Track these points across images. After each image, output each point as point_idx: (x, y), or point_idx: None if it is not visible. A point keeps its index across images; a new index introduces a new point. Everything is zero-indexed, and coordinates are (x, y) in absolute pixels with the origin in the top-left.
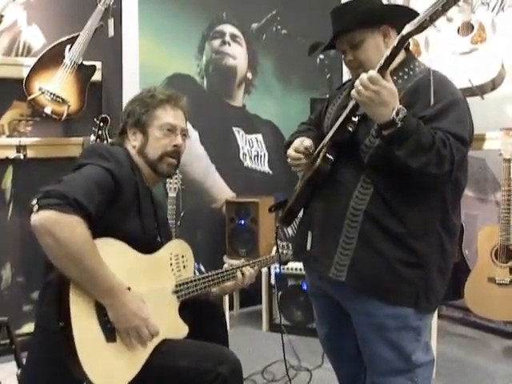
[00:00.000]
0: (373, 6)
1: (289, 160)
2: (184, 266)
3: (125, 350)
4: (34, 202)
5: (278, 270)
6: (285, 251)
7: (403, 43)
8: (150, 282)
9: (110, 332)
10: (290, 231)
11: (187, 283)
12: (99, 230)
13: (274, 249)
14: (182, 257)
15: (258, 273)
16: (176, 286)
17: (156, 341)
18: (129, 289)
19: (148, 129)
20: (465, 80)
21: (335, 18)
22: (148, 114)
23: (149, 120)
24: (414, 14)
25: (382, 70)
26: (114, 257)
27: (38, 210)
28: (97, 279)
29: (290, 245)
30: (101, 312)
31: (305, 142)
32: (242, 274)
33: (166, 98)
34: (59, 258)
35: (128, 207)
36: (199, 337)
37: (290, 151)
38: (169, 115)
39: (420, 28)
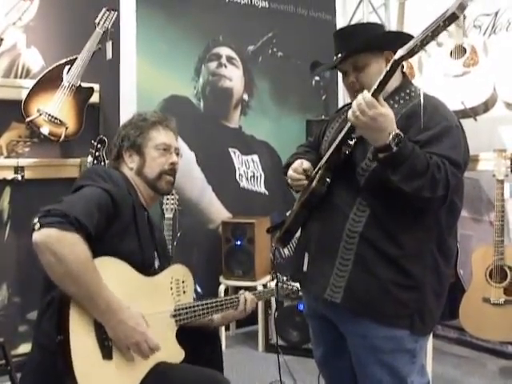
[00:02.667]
0: (379, 32)
1: (289, 181)
2: (184, 292)
3: (120, 368)
4: (36, 220)
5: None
6: (284, 286)
7: (396, 67)
8: (149, 305)
9: (107, 350)
10: (286, 252)
11: (186, 308)
12: (99, 250)
13: (274, 282)
14: (183, 282)
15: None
16: (175, 310)
17: (152, 363)
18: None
19: (144, 150)
20: (458, 102)
21: (341, 39)
22: (143, 136)
23: (144, 141)
24: None
25: (375, 94)
26: (115, 276)
27: (39, 228)
28: (95, 296)
29: (288, 279)
30: (99, 329)
31: (304, 164)
32: (245, 300)
33: (158, 120)
34: (59, 275)
35: (126, 227)
36: (193, 360)
37: (291, 172)
38: (162, 135)
39: (411, 53)
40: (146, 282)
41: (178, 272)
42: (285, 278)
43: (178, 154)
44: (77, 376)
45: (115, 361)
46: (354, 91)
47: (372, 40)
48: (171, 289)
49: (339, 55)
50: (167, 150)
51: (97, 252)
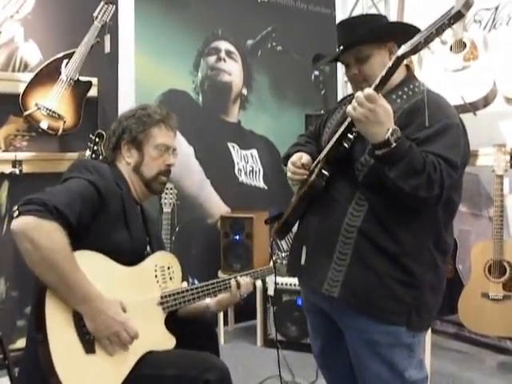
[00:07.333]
0: (382, 23)
1: (288, 174)
2: (170, 278)
3: (105, 361)
4: (15, 208)
5: (273, 285)
6: (283, 261)
7: (398, 64)
8: (133, 294)
9: (89, 344)
10: (285, 246)
11: (173, 295)
12: (87, 240)
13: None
14: (168, 268)
15: (253, 288)
16: (161, 297)
17: (140, 352)
18: None
19: (144, 147)
20: (457, 97)
21: (343, 30)
22: (145, 133)
23: (145, 139)
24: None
25: (377, 89)
26: (94, 270)
27: (18, 216)
28: (72, 285)
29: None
30: (79, 324)
31: (303, 158)
32: (238, 283)
33: (162, 118)
34: (36, 263)
35: (114, 219)
36: (189, 349)
37: (290, 166)
38: (164, 135)
39: (414, 50)
40: (127, 272)
41: (162, 259)
42: (283, 254)
43: (174, 154)
44: (59, 375)
45: (99, 354)
46: (357, 83)
47: (375, 30)
48: (156, 276)
49: (341, 47)
50: (166, 150)
51: (85, 243)
